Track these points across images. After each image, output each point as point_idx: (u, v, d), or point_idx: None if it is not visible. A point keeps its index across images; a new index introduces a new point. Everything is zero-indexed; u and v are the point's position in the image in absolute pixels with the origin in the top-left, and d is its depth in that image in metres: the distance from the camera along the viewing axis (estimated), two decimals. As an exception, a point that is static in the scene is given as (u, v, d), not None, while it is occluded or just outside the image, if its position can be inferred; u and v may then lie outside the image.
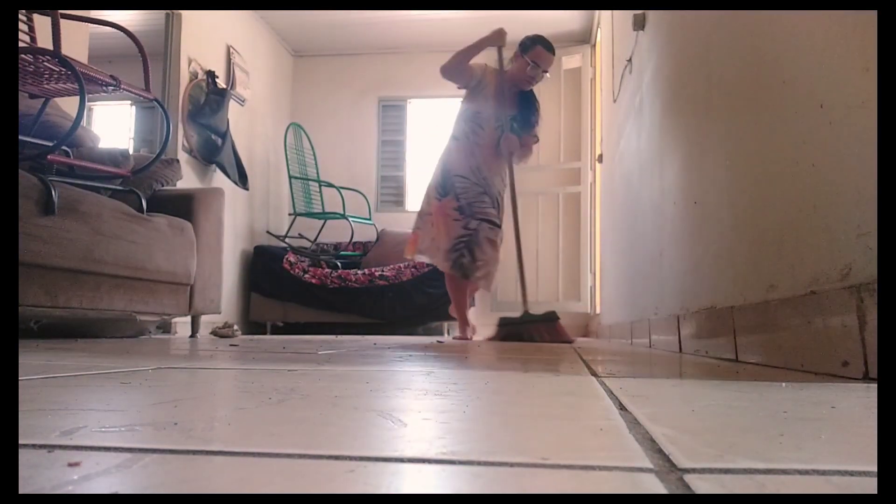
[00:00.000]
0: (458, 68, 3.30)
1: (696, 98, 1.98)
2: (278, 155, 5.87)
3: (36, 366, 1.12)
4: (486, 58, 3.41)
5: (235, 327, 3.45)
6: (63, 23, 2.20)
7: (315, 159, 5.79)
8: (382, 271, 5.02)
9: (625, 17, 3.44)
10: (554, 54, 3.38)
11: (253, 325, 5.37)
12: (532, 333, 3.12)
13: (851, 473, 0.38)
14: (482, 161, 3.37)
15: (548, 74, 3.39)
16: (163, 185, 3.21)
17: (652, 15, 2.74)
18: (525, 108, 3.45)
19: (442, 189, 3.35)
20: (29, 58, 2.26)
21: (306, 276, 5.05)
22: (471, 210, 3.30)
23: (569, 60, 5.83)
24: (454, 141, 3.42)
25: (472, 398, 0.72)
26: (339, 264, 5.27)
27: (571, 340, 3.16)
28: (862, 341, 0.96)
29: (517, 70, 3.36)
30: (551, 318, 3.23)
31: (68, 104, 3.02)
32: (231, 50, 5.10)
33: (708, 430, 0.52)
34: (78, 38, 3.55)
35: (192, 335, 3.36)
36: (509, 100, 3.39)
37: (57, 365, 1.16)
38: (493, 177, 3.39)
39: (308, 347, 2.06)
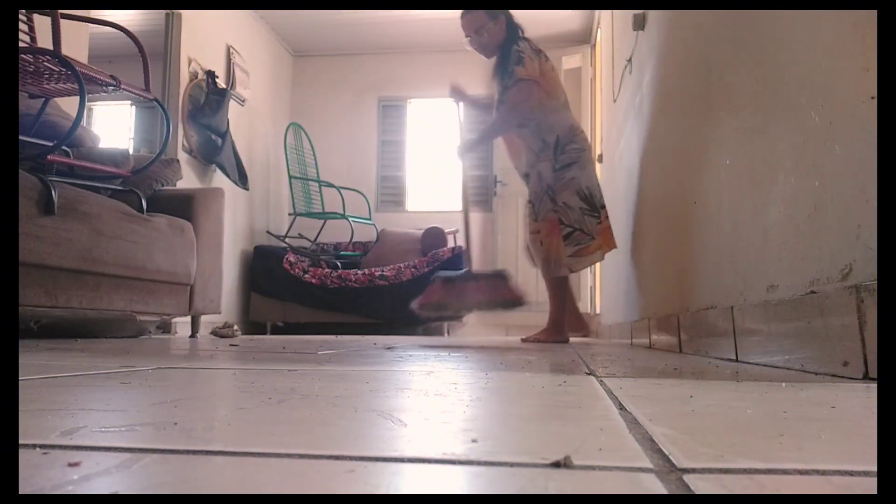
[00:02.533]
0: (505, 126, 3.06)
1: (696, 98, 1.98)
2: (278, 155, 5.87)
3: (36, 366, 1.12)
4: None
5: (235, 327, 3.45)
6: (63, 23, 2.20)
7: (315, 159, 5.79)
8: (382, 271, 5.02)
9: (625, 17, 3.44)
10: (464, 17, 3.12)
11: (253, 325, 5.37)
12: (468, 296, 2.78)
13: (851, 473, 0.38)
14: (508, 156, 3.26)
15: (484, 32, 3.07)
16: (163, 185, 3.21)
17: (652, 15, 2.74)
18: (499, 64, 3.13)
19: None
20: (29, 58, 2.26)
21: (306, 276, 5.05)
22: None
23: (569, 60, 5.83)
24: None
25: (472, 398, 0.72)
26: (339, 264, 5.27)
27: (520, 299, 2.83)
28: (862, 341, 0.96)
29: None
30: (500, 275, 2.90)
31: (68, 104, 3.02)
32: (231, 50, 5.11)
33: (708, 430, 0.52)
34: (78, 38, 3.55)
35: (192, 335, 3.36)
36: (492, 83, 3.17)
37: (57, 365, 1.16)
38: (515, 161, 3.19)
39: (308, 347, 2.06)
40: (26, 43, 2.56)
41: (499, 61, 3.11)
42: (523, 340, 3.10)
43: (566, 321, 3.09)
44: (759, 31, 1.46)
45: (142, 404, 0.64)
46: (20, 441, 0.44)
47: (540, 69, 3.00)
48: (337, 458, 0.41)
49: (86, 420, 0.54)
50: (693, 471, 0.38)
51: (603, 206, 3.05)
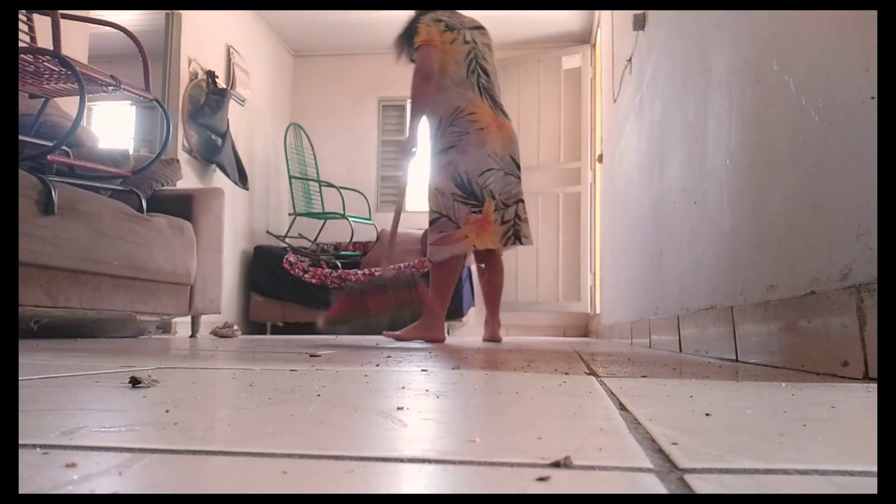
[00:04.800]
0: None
1: (696, 98, 1.98)
2: (278, 155, 5.87)
3: (36, 366, 1.12)
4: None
5: (235, 327, 3.45)
6: (63, 23, 2.20)
7: (315, 159, 5.79)
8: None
9: (625, 17, 3.44)
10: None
11: (253, 325, 5.37)
12: (370, 304, 2.55)
13: (851, 473, 0.38)
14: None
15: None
16: (163, 185, 3.21)
17: (652, 15, 2.74)
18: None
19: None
20: (29, 58, 2.26)
21: (306, 276, 5.05)
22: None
23: (569, 60, 5.83)
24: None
25: (472, 398, 0.72)
26: (339, 264, 5.27)
27: (422, 304, 2.58)
28: (862, 341, 0.96)
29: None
30: (408, 283, 2.61)
31: (68, 104, 3.02)
32: (231, 50, 5.10)
33: (708, 430, 0.52)
34: (78, 38, 3.55)
35: (192, 335, 3.36)
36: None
37: (57, 365, 1.16)
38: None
39: (308, 347, 2.06)
40: (26, 43, 2.56)
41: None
42: (385, 335, 2.83)
43: (486, 322, 2.97)
44: (758, 31, 1.46)
45: (142, 404, 0.64)
46: (20, 441, 0.44)
47: (439, 36, 2.83)
48: (337, 458, 0.41)
49: (86, 420, 0.54)
50: (693, 471, 0.38)
51: (490, 198, 2.76)
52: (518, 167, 2.91)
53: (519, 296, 5.72)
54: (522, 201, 2.90)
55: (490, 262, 3.00)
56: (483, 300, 3.06)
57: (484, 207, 2.76)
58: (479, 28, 2.99)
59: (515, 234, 2.83)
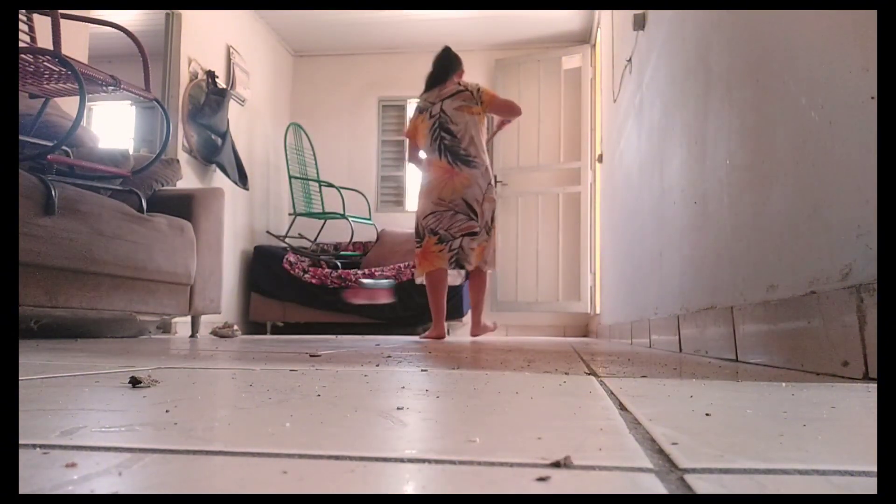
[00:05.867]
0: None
1: (696, 98, 1.98)
2: (278, 155, 5.87)
3: (36, 366, 1.12)
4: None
5: (235, 327, 3.45)
6: (63, 23, 2.20)
7: (315, 159, 5.79)
8: (382, 271, 5.02)
9: (625, 17, 3.44)
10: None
11: (253, 325, 5.37)
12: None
13: (851, 473, 0.38)
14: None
15: None
16: (163, 185, 3.21)
17: (652, 15, 2.74)
18: None
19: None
20: (29, 58, 2.26)
21: (306, 276, 5.05)
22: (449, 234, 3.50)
23: (569, 60, 5.83)
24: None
25: (471, 398, 0.72)
26: (339, 264, 5.27)
27: None
28: (862, 341, 0.96)
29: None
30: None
31: (68, 104, 3.02)
32: (231, 50, 5.11)
33: (708, 430, 0.52)
34: (78, 38, 3.55)
35: (192, 335, 3.36)
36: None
37: (57, 365, 1.16)
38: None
39: (308, 347, 2.06)
40: (26, 43, 2.56)
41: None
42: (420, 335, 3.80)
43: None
44: (758, 31, 1.46)
45: (142, 404, 0.64)
46: (20, 441, 0.44)
47: (416, 122, 3.63)
48: (337, 458, 0.41)
49: (86, 420, 0.54)
50: (693, 471, 0.38)
51: (430, 234, 3.46)
52: (471, 208, 3.46)
53: (519, 296, 5.72)
54: (474, 234, 3.44)
55: (474, 277, 3.62)
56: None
57: (423, 242, 3.51)
58: (456, 94, 3.56)
59: (457, 261, 3.44)
